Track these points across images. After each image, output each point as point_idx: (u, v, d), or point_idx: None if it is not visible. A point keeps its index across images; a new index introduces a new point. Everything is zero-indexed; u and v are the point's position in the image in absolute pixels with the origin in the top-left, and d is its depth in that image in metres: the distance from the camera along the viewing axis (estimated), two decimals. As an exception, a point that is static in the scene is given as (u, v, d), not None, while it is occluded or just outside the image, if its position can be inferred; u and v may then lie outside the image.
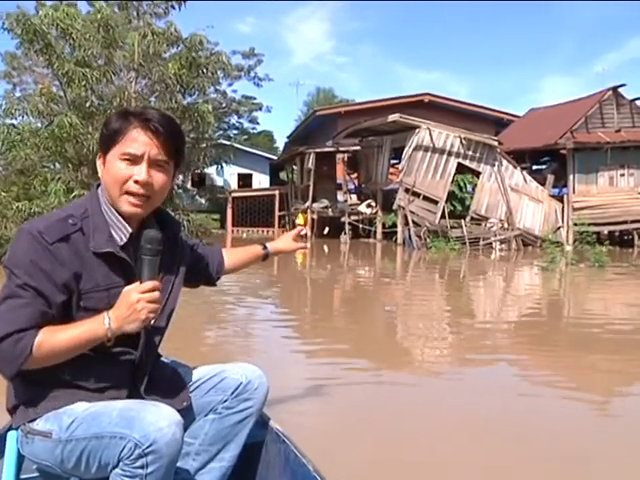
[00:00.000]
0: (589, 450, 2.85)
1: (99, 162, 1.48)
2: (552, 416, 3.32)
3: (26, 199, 9.76)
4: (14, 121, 10.10)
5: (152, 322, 1.39)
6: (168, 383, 1.56)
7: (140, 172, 1.40)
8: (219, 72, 11.56)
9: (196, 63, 10.68)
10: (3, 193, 9.70)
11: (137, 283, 1.36)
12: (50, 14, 9.47)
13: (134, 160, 1.41)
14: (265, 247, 2.06)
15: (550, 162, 21.38)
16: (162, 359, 1.66)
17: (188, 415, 1.52)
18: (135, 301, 1.32)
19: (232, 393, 1.61)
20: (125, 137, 1.41)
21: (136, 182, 1.40)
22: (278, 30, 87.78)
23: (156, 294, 1.35)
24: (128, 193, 1.41)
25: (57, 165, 10.98)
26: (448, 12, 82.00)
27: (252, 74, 23.18)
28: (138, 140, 1.41)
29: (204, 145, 12.51)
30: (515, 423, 3.19)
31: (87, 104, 10.06)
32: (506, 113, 26.20)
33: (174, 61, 10.47)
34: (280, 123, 71.49)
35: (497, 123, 25.46)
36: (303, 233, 2.20)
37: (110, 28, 10.07)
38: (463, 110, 24.77)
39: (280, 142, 44.87)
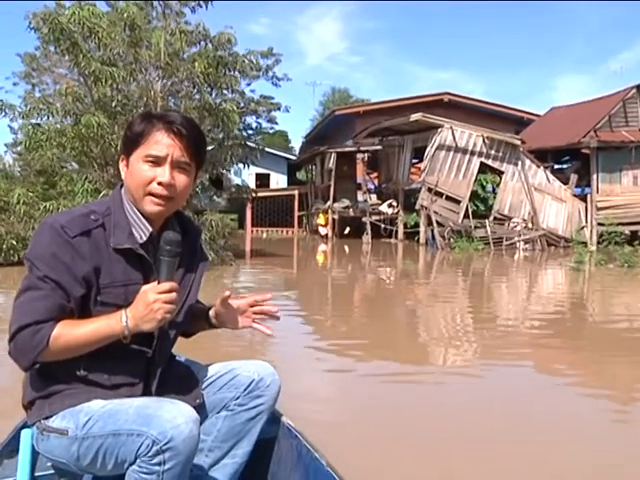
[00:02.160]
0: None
1: (122, 164, 1.50)
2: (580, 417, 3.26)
3: (44, 199, 9.86)
4: (38, 121, 10.19)
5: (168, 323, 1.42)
6: (181, 380, 1.57)
7: (163, 174, 1.43)
8: (245, 70, 11.56)
9: (223, 62, 10.73)
10: (30, 193, 9.82)
11: (155, 283, 1.38)
12: (77, 13, 9.53)
13: (157, 162, 1.43)
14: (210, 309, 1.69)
15: (572, 161, 21.08)
16: (176, 357, 1.67)
17: (201, 412, 1.52)
18: (152, 301, 1.34)
19: (244, 390, 1.61)
20: (148, 139, 1.43)
21: (159, 184, 1.43)
22: (292, 31, 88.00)
23: (173, 295, 1.37)
24: (151, 194, 1.44)
25: (75, 165, 11.06)
26: (461, 12, 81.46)
27: (270, 74, 23.13)
28: (161, 142, 1.43)
29: (230, 144, 12.51)
30: (539, 424, 3.13)
31: (113, 103, 10.13)
32: (526, 112, 25.93)
33: (200, 60, 10.49)
34: (294, 123, 71.71)
35: (517, 122, 25.17)
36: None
37: (136, 27, 10.13)
38: (483, 109, 24.60)
39: (295, 142, 45.01)
